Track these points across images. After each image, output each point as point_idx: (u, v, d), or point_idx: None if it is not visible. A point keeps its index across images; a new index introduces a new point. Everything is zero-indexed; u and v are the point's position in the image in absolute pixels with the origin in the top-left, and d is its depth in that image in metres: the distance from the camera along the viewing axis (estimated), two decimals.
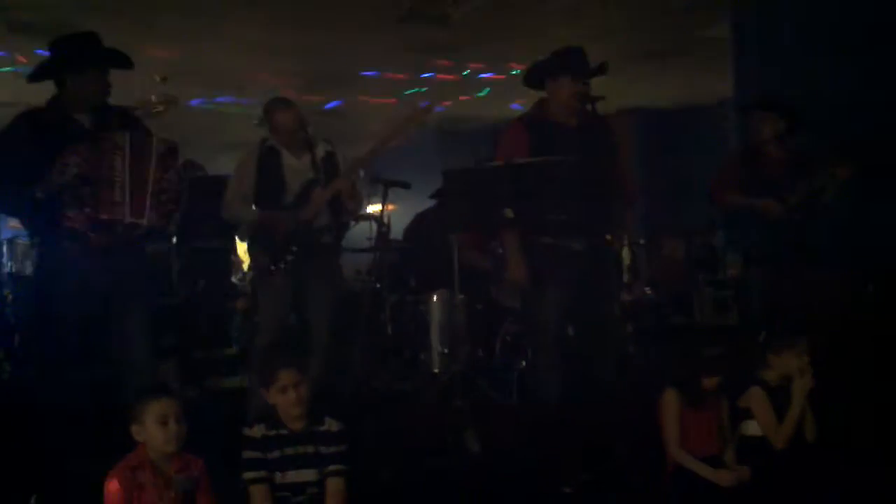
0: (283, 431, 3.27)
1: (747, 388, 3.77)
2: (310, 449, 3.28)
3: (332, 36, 8.12)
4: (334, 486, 3.27)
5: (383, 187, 5.44)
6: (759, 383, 3.75)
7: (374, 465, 4.10)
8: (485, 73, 9.65)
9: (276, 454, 3.25)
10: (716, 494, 3.53)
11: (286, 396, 3.25)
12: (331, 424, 3.34)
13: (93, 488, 3.03)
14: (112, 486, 2.97)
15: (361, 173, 4.98)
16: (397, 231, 6.85)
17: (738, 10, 6.98)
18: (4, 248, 7.21)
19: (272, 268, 4.54)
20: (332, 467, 3.28)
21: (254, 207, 4.70)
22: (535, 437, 4.22)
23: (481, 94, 10.28)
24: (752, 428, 3.74)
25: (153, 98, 9.02)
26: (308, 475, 3.27)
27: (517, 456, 4.20)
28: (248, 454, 3.24)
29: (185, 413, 3.09)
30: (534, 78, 4.53)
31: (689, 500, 3.59)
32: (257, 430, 3.26)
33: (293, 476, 3.26)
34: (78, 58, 3.91)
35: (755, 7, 6.87)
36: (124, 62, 4.04)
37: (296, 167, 4.67)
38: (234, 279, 7.51)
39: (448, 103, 10.14)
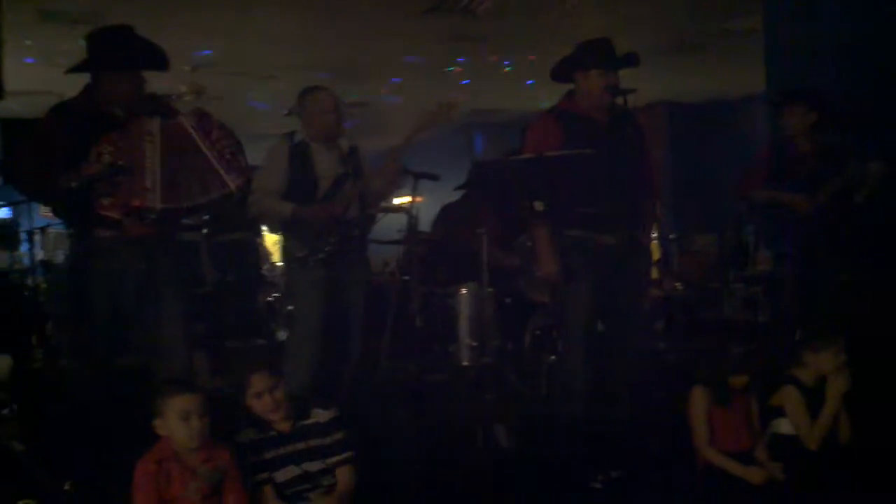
0: (272, 433, 3.26)
1: (779, 387, 3.73)
2: (301, 445, 3.26)
3: (358, 28, 8.12)
4: (342, 474, 3.28)
5: (413, 179, 5.44)
6: (793, 382, 3.72)
7: (402, 459, 4.11)
8: (510, 64, 9.61)
9: (270, 454, 3.24)
10: (746, 492, 3.51)
11: (262, 401, 3.22)
12: (318, 416, 3.32)
13: (125, 477, 3.04)
14: (139, 479, 2.99)
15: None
16: (425, 223, 6.85)
17: (770, 2, 6.90)
18: (37, 237, 7.29)
19: (310, 260, 4.54)
20: (333, 458, 3.28)
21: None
22: (564, 432, 4.21)
23: (528, 84, 10.13)
24: (783, 426, 3.70)
25: (183, 88, 9.12)
26: (311, 467, 3.26)
27: (546, 450, 4.19)
28: (245, 460, 3.21)
29: (213, 404, 3.11)
30: (562, 71, 4.50)
31: (720, 496, 3.57)
32: (246, 435, 3.25)
33: (294, 471, 3.25)
34: (114, 56, 3.91)
35: None
36: (161, 63, 4.03)
37: (326, 161, 4.66)
38: (263, 270, 7.54)
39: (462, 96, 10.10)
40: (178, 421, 3.00)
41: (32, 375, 5.24)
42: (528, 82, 9.94)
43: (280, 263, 9.80)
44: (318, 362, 4.54)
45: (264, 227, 8.19)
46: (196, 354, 4.86)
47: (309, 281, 4.61)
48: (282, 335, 7.49)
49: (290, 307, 5.00)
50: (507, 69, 9.82)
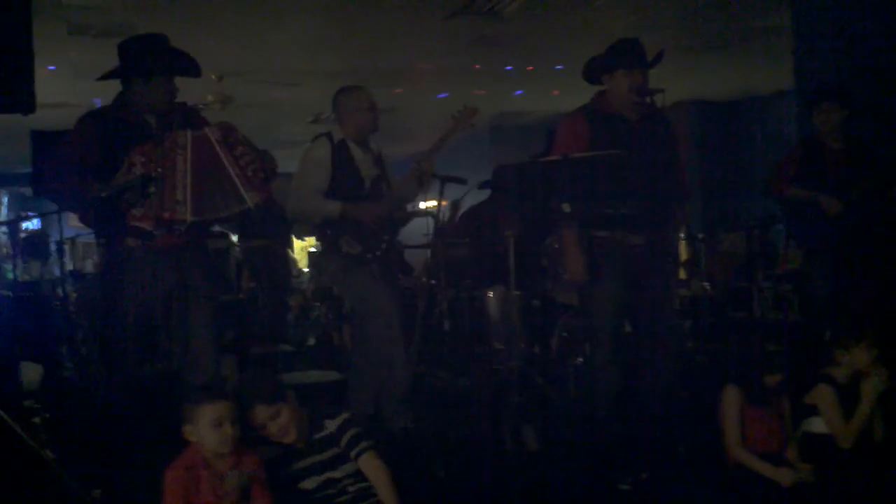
0: (288, 450, 3.24)
1: (812, 386, 3.69)
2: (318, 458, 3.25)
3: (383, 32, 8.14)
4: (369, 464, 3.24)
5: (439, 182, 5.44)
6: (827, 380, 3.67)
7: (430, 462, 4.10)
8: (536, 67, 9.59)
9: (292, 470, 3.24)
10: (776, 493, 3.47)
11: (267, 431, 3.19)
12: (330, 426, 3.30)
13: (155, 484, 3.06)
14: (168, 485, 3.00)
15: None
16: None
17: None
18: (67, 247, 7.37)
19: (368, 256, 4.52)
20: (354, 451, 3.25)
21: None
22: (592, 434, 4.18)
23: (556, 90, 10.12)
24: (816, 425, 3.67)
25: (210, 97, 9.19)
26: (335, 474, 3.25)
27: (575, 452, 4.17)
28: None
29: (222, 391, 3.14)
30: (592, 71, 4.48)
31: (749, 498, 3.53)
32: (264, 452, 3.23)
33: (314, 482, 3.23)
34: (145, 63, 3.94)
35: None
36: (192, 69, 4.06)
37: (364, 161, 4.66)
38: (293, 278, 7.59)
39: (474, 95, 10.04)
40: (209, 428, 3.01)
41: (63, 384, 5.29)
42: (550, 85, 9.90)
43: (307, 269, 9.90)
44: (401, 357, 4.50)
45: (298, 233, 8.24)
46: (225, 360, 4.90)
47: (369, 275, 4.56)
48: (311, 341, 7.55)
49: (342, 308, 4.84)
50: (534, 73, 9.79)
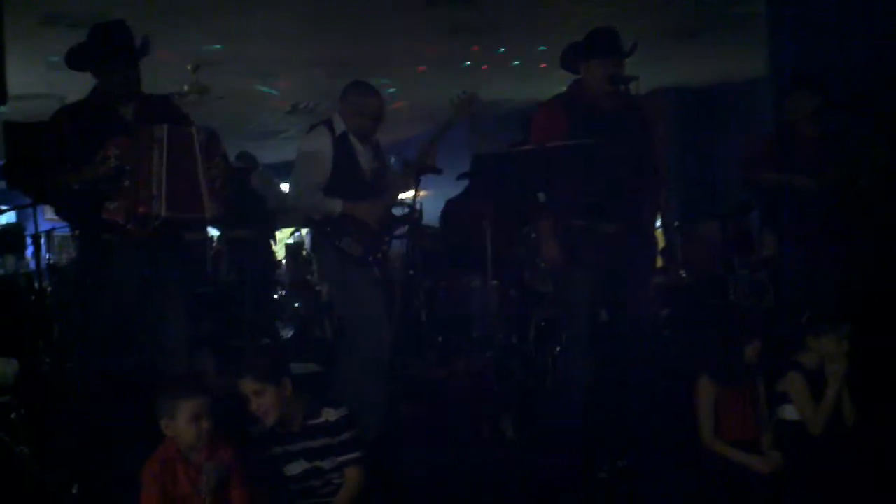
0: (280, 430, 3.25)
1: (785, 372, 3.72)
2: (310, 444, 3.26)
3: (361, 21, 8.10)
4: (349, 475, 3.27)
5: (408, 174, 5.43)
6: (797, 367, 3.70)
7: (408, 452, 4.12)
8: (513, 54, 9.58)
9: (279, 450, 3.26)
10: (751, 480, 3.51)
11: (251, 405, 3.19)
12: (328, 415, 3.29)
13: (132, 478, 3.06)
14: (146, 480, 3.01)
15: (392, 159, 4.91)
16: (430, 217, 6.85)
17: None
18: (43, 240, 7.31)
19: (369, 259, 4.43)
20: (342, 458, 3.26)
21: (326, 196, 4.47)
22: (569, 423, 4.21)
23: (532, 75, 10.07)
24: (789, 412, 3.70)
25: (186, 87, 9.12)
26: (323, 465, 3.26)
27: (552, 441, 4.19)
28: (256, 452, 3.25)
29: (219, 401, 3.14)
30: (568, 60, 4.49)
31: (725, 485, 3.56)
32: (256, 430, 3.26)
33: (303, 465, 3.25)
34: (97, 48, 3.92)
35: None
36: (137, 51, 3.98)
37: (364, 154, 4.52)
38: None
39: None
40: (188, 424, 3.01)
41: (39, 379, 5.26)
42: (527, 72, 9.90)
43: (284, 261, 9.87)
44: (386, 364, 4.42)
45: (283, 226, 8.19)
46: (201, 353, 4.89)
47: (368, 278, 4.46)
48: (287, 333, 7.54)
49: (342, 310, 4.72)
50: (513, 61, 9.78)
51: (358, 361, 4.36)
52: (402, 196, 6.11)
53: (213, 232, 8.34)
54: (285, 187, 8.60)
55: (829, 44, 6.20)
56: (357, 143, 4.49)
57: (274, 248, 8.38)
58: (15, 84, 4.50)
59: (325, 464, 3.27)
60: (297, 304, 8.45)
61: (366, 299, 4.41)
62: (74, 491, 3.44)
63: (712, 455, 3.60)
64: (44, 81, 8.85)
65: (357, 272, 4.41)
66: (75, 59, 3.99)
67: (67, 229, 7.16)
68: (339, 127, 4.47)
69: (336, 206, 4.37)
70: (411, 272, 5.90)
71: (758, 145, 5.40)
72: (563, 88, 4.49)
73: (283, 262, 9.85)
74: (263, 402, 3.17)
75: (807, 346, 3.73)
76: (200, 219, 4.09)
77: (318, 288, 8.40)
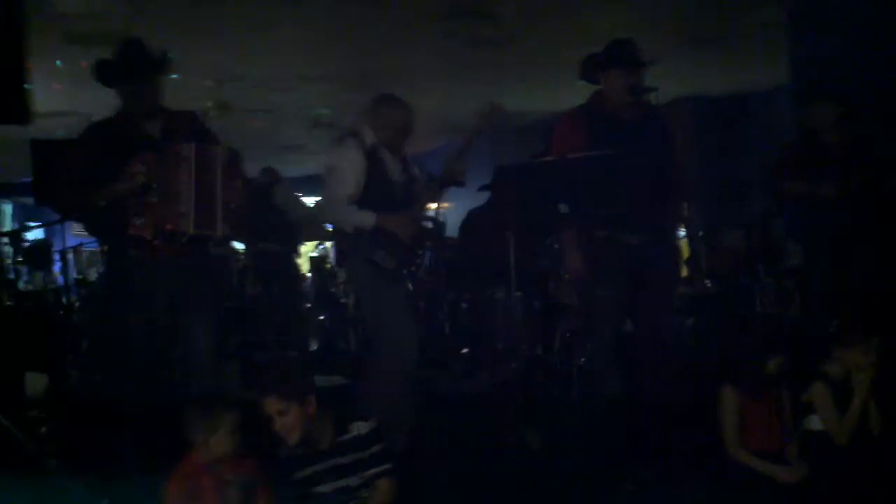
0: (306, 450, 3.24)
1: (811, 382, 3.70)
2: (341, 460, 3.25)
3: (379, 34, 8.14)
4: (381, 487, 3.27)
5: (434, 187, 5.44)
6: (823, 377, 3.68)
7: (433, 464, 4.12)
8: (532, 66, 9.59)
9: (309, 471, 3.24)
10: (776, 490, 3.49)
11: (274, 424, 3.18)
12: (359, 428, 3.30)
13: (160, 492, 3.08)
14: (171, 494, 3.03)
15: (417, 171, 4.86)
16: (452, 229, 6.87)
17: None
18: (70, 256, 7.39)
19: (403, 272, 4.41)
20: (372, 471, 3.26)
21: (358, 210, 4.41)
22: (595, 435, 4.19)
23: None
24: (815, 423, 3.68)
25: (209, 103, 9.21)
26: (350, 482, 3.26)
27: (578, 453, 4.18)
28: (284, 475, 3.24)
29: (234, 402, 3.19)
30: (587, 71, 4.50)
31: (750, 496, 3.54)
32: (281, 453, 3.25)
33: (333, 486, 3.24)
34: (119, 64, 3.98)
35: None
36: (157, 68, 4.03)
37: (393, 166, 4.48)
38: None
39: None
40: (228, 436, 3.05)
41: (67, 393, 5.30)
42: (548, 84, 9.90)
43: (309, 274, 9.91)
44: (413, 378, 4.40)
45: (307, 240, 8.20)
46: (228, 367, 4.91)
47: (400, 295, 4.45)
48: (312, 346, 7.57)
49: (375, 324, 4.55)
50: (532, 72, 9.79)
51: (386, 375, 4.33)
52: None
53: (239, 246, 8.40)
54: (308, 201, 8.66)
55: (849, 52, 6.17)
56: (387, 155, 4.45)
57: (299, 261, 8.43)
58: (40, 102, 4.56)
59: (353, 480, 3.26)
60: (322, 317, 8.48)
61: (397, 313, 4.37)
62: None
63: (737, 465, 3.59)
64: (69, 99, 8.96)
65: (389, 286, 4.37)
66: (102, 74, 4.04)
67: (95, 245, 7.24)
68: (369, 139, 4.42)
69: (369, 219, 4.31)
70: (435, 284, 5.90)
71: (782, 154, 5.38)
72: (584, 100, 4.50)
73: (309, 275, 9.89)
74: (287, 421, 3.15)
75: (833, 355, 3.71)
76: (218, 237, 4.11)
77: (342, 300, 8.43)
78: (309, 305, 8.24)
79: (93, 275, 7.15)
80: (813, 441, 3.65)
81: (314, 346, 7.74)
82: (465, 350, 5.92)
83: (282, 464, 3.24)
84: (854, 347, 3.63)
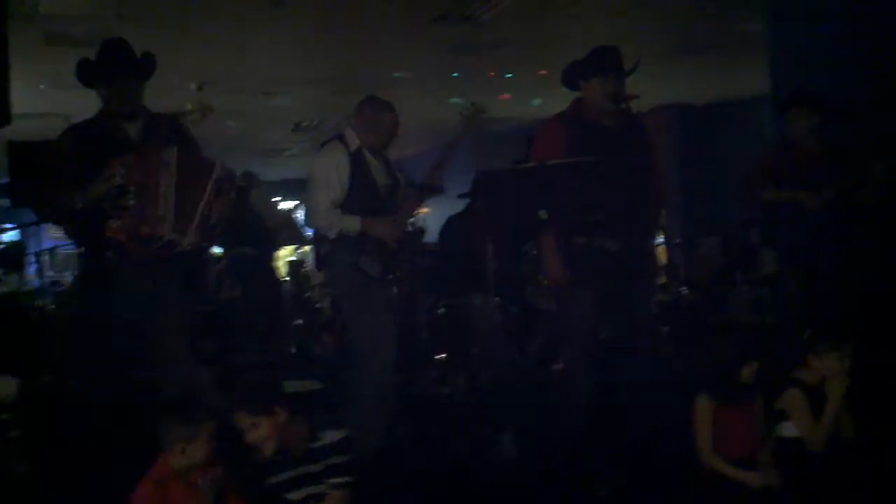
0: (277, 457, 3.22)
1: (784, 389, 3.72)
2: (313, 468, 3.23)
3: (363, 39, 8.14)
4: (334, 498, 3.23)
5: (417, 191, 5.43)
6: (796, 384, 3.70)
7: (410, 469, 4.11)
8: (515, 72, 9.62)
9: (283, 477, 3.22)
10: (750, 497, 3.50)
11: (248, 436, 3.17)
12: (329, 436, 3.28)
13: (128, 497, 3.06)
14: (140, 500, 3.00)
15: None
16: (432, 234, 6.87)
17: (775, 4, 6.90)
18: (46, 258, 7.34)
19: (389, 278, 4.39)
20: (334, 480, 3.24)
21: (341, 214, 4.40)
22: (570, 440, 4.20)
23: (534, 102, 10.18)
24: (788, 429, 3.69)
25: (190, 106, 9.18)
26: (320, 489, 3.23)
27: (553, 459, 4.18)
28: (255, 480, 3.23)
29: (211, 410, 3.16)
30: (569, 78, 4.51)
31: (723, 503, 3.55)
32: (255, 457, 3.22)
33: (304, 492, 3.22)
34: (101, 64, 3.96)
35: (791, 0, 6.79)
36: (138, 69, 4.01)
37: (378, 170, 4.47)
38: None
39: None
40: (206, 444, 3.02)
41: (39, 397, 5.26)
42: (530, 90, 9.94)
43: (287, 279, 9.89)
44: (391, 383, 4.39)
45: (283, 244, 8.17)
46: (201, 371, 4.88)
47: (383, 300, 4.43)
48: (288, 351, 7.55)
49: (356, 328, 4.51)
50: (515, 79, 9.82)
51: (365, 379, 4.32)
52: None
53: (217, 250, 8.35)
54: (288, 205, 8.64)
55: (829, 61, 6.22)
56: (372, 159, 4.44)
57: (276, 265, 8.40)
58: (19, 103, 4.53)
59: (322, 488, 3.24)
60: (296, 322, 8.46)
61: (379, 319, 4.36)
62: None
63: (711, 472, 3.60)
64: (48, 101, 8.91)
65: (373, 291, 4.35)
66: (83, 74, 4.02)
67: (70, 247, 7.18)
68: (354, 143, 4.41)
69: (354, 223, 4.30)
70: (412, 289, 5.90)
71: (760, 162, 5.41)
72: (565, 106, 4.51)
73: (287, 279, 9.88)
74: (260, 433, 3.15)
75: (807, 363, 3.73)
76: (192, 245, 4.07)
77: (318, 305, 8.42)
78: (284, 310, 8.21)
79: (68, 277, 7.10)
80: (786, 448, 3.66)
81: (289, 351, 7.71)
82: (441, 355, 5.92)
83: (253, 469, 3.21)
84: (828, 355, 3.65)
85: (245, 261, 7.30)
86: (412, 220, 5.59)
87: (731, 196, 5.85)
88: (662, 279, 6.46)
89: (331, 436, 3.28)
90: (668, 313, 6.39)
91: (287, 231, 8.04)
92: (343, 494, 3.26)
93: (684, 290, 6.65)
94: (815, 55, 6.33)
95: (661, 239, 6.16)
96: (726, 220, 7.78)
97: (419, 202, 4.77)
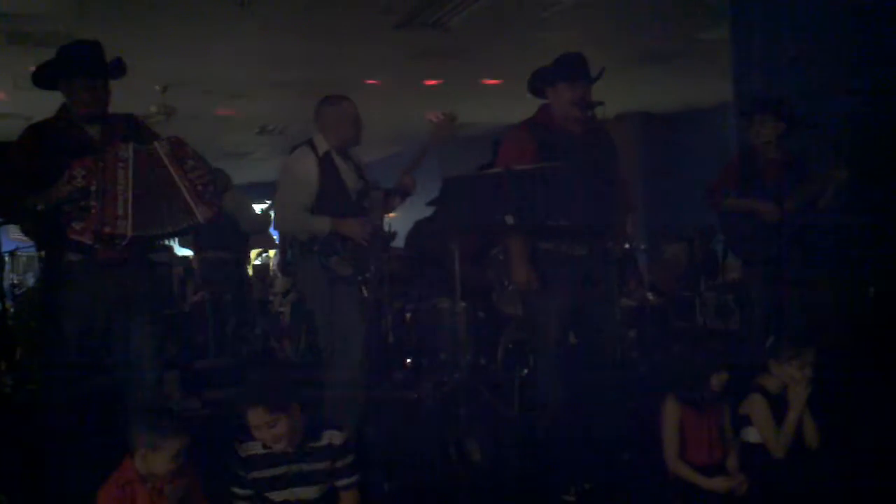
0: (276, 450, 3.18)
1: (748, 395, 3.76)
2: (305, 467, 3.20)
3: (329, 43, 8.13)
4: (347, 500, 3.24)
5: (383, 195, 5.43)
6: (759, 390, 3.74)
7: (376, 475, 4.10)
8: (483, 79, 9.66)
9: (266, 473, 3.18)
10: (717, 501, 3.53)
11: (261, 434, 3.13)
12: (332, 437, 3.25)
13: (92, 500, 3.02)
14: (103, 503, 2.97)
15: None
16: (399, 239, 6.85)
17: (738, 12, 6.98)
18: (7, 260, 7.23)
19: (360, 278, 4.40)
20: (341, 481, 3.23)
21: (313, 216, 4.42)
22: (536, 445, 4.21)
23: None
24: (752, 435, 3.73)
25: (153, 108, 9.10)
26: (309, 493, 3.21)
27: (518, 464, 4.19)
28: (235, 470, 3.19)
29: (186, 424, 3.11)
30: (536, 84, 4.53)
31: None
32: (244, 449, 3.19)
33: (289, 494, 3.19)
34: (64, 65, 3.91)
35: (755, 9, 6.87)
36: (111, 71, 3.99)
37: (348, 173, 4.49)
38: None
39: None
40: (169, 460, 2.98)
41: (1, 400, 5.19)
42: (497, 96, 9.97)
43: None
44: (361, 385, 4.39)
45: (256, 247, 8.09)
46: (168, 375, 4.84)
47: (353, 301, 4.42)
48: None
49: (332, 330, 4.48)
50: (481, 85, 9.85)
51: (334, 381, 4.33)
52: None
53: (183, 252, 8.28)
54: (257, 208, 8.59)
55: (792, 70, 6.30)
56: (341, 162, 4.47)
57: (248, 268, 8.36)
58: None
59: (310, 491, 3.21)
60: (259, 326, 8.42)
61: (349, 320, 4.36)
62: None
63: (677, 477, 3.63)
64: (9, 101, 8.80)
65: (343, 292, 4.36)
66: (43, 77, 3.96)
67: (32, 249, 7.08)
68: (322, 146, 4.45)
69: (324, 224, 4.33)
70: (379, 293, 5.89)
71: (724, 170, 5.47)
72: (532, 112, 4.53)
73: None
74: (276, 431, 3.10)
75: (770, 369, 3.77)
76: (171, 235, 4.05)
77: (280, 310, 8.38)
78: (253, 314, 8.16)
79: (30, 280, 7.00)
80: (750, 452, 3.70)
81: (253, 353, 7.66)
82: (408, 360, 5.91)
83: (244, 461, 3.18)
84: (790, 362, 3.69)
85: (217, 263, 7.24)
86: (382, 223, 5.59)
87: (696, 203, 5.91)
88: (628, 284, 6.51)
89: (332, 437, 3.25)
90: (634, 318, 6.43)
91: (260, 234, 7.98)
92: (356, 494, 3.25)
93: (650, 295, 6.70)
94: (777, 63, 6.41)
95: (626, 245, 6.20)
96: (691, 227, 7.87)
97: (390, 205, 4.77)
